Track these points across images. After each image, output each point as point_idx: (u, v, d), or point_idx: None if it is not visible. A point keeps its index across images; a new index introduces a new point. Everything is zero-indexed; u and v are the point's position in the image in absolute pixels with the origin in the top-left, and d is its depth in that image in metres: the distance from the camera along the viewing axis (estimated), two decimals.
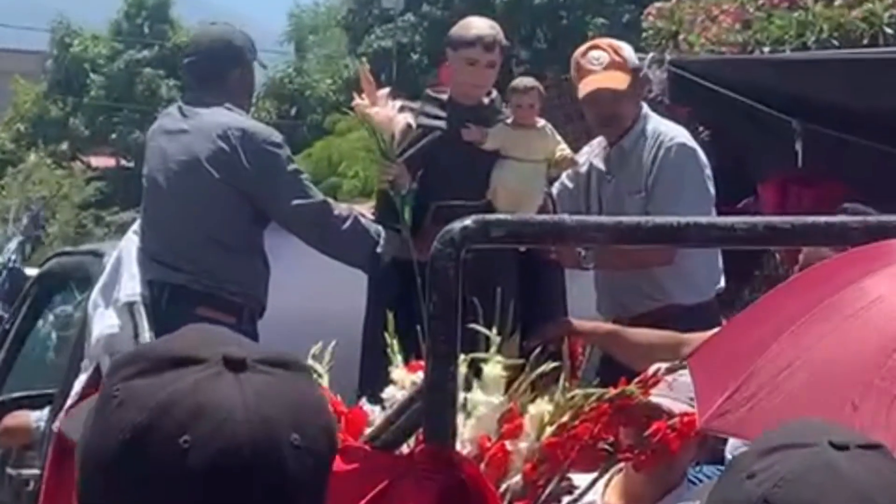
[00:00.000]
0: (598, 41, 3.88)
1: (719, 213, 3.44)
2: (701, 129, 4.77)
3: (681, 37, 5.99)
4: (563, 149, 3.50)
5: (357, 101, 3.45)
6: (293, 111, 24.27)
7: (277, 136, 3.53)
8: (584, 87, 3.63)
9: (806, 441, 1.13)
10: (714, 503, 1.15)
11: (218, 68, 3.60)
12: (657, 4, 6.46)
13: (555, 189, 3.69)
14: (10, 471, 4.21)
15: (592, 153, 3.80)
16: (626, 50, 3.73)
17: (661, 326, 3.26)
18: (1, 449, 4.41)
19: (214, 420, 0.93)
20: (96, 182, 23.68)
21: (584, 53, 3.69)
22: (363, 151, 17.04)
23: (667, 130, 3.68)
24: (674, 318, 3.42)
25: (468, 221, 1.91)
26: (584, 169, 3.74)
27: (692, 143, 3.73)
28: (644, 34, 6.43)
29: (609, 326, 3.40)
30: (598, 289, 3.71)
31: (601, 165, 3.74)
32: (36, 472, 3.78)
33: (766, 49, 5.56)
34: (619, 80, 3.61)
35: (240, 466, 0.93)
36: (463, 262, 1.83)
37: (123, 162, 25.44)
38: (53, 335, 4.70)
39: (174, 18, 25.16)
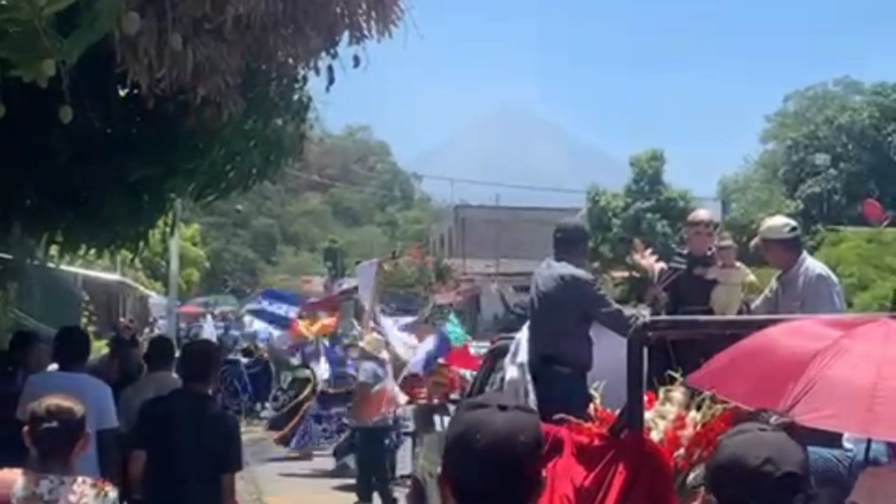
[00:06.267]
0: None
1: None
2: None
3: None
4: (752, 279, 6.24)
5: (635, 256, 6.42)
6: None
7: (589, 276, 6.09)
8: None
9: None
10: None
11: (574, 241, 6.28)
12: None
13: (760, 298, 6.06)
14: None
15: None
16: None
17: None
18: None
19: (490, 428, 1.96)
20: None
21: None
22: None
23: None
24: None
25: (647, 319, 3.72)
26: (775, 287, 6.04)
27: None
28: None
29: None
30: None
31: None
32: None
33: None
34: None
35: (498, 448, 1.94)
36: (648, 339, 3.63)
37: None
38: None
39: (665, 182, 38.02)
